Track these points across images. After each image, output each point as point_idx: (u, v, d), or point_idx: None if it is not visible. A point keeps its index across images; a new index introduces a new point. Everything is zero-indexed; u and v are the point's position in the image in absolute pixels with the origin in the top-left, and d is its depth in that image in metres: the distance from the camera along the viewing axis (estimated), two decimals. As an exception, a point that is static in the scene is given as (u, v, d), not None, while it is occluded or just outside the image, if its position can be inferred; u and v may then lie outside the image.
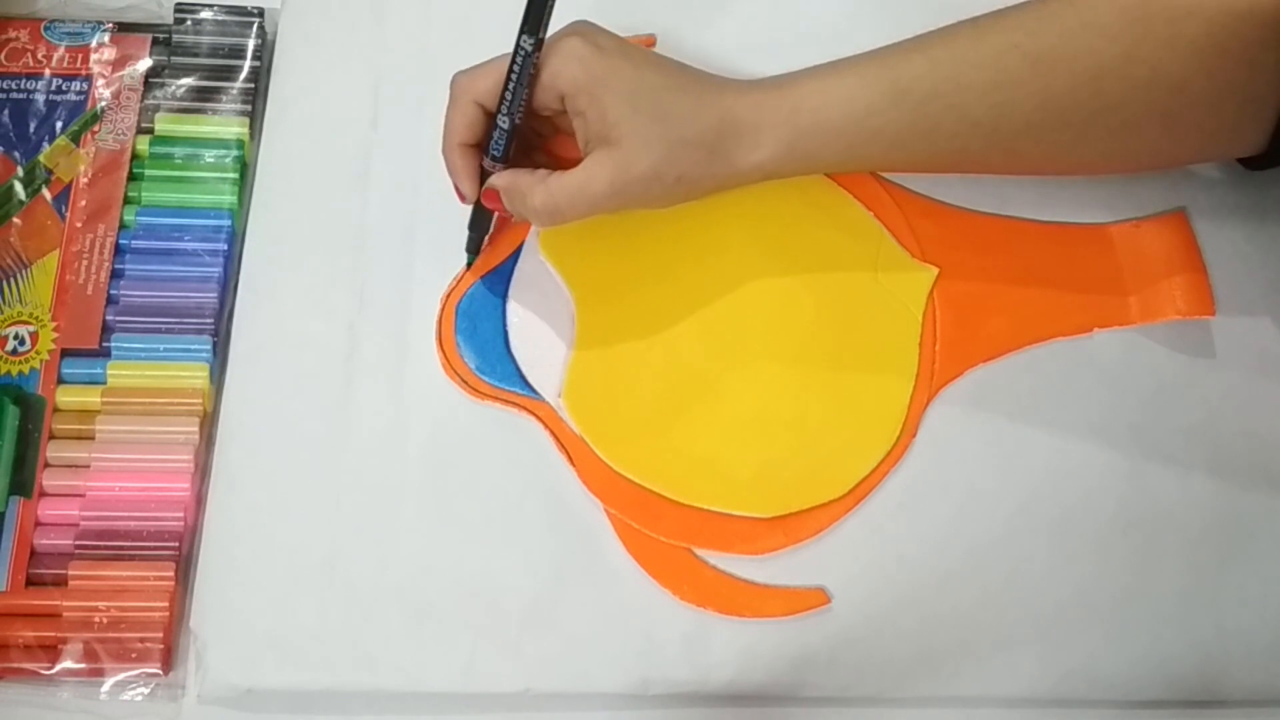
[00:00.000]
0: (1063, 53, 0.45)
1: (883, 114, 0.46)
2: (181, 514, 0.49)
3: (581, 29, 0.46)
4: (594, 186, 0.46)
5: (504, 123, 0.47)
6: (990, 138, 0.47)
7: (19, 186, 0.53)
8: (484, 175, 0.49)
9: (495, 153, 0.48)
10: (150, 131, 0.54)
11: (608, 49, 0.46)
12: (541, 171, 0.47)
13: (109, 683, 0.47)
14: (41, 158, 0.53)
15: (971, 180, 0.54)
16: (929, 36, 0.48)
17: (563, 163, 0.49)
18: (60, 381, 0.50)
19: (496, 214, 0.50)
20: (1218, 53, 0.45)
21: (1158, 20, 0.44)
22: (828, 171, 0.50)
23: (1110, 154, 0.50)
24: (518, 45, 0.45)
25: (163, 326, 0.51)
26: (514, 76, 0.45)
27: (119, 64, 0.55)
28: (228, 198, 0.53)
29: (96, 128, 0.54)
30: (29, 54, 0.55)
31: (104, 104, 0.54)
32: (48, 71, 0.55)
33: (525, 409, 0.51)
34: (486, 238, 0.52)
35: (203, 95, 0.55)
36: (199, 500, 0.50)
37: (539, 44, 0.45)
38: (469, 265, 0.52)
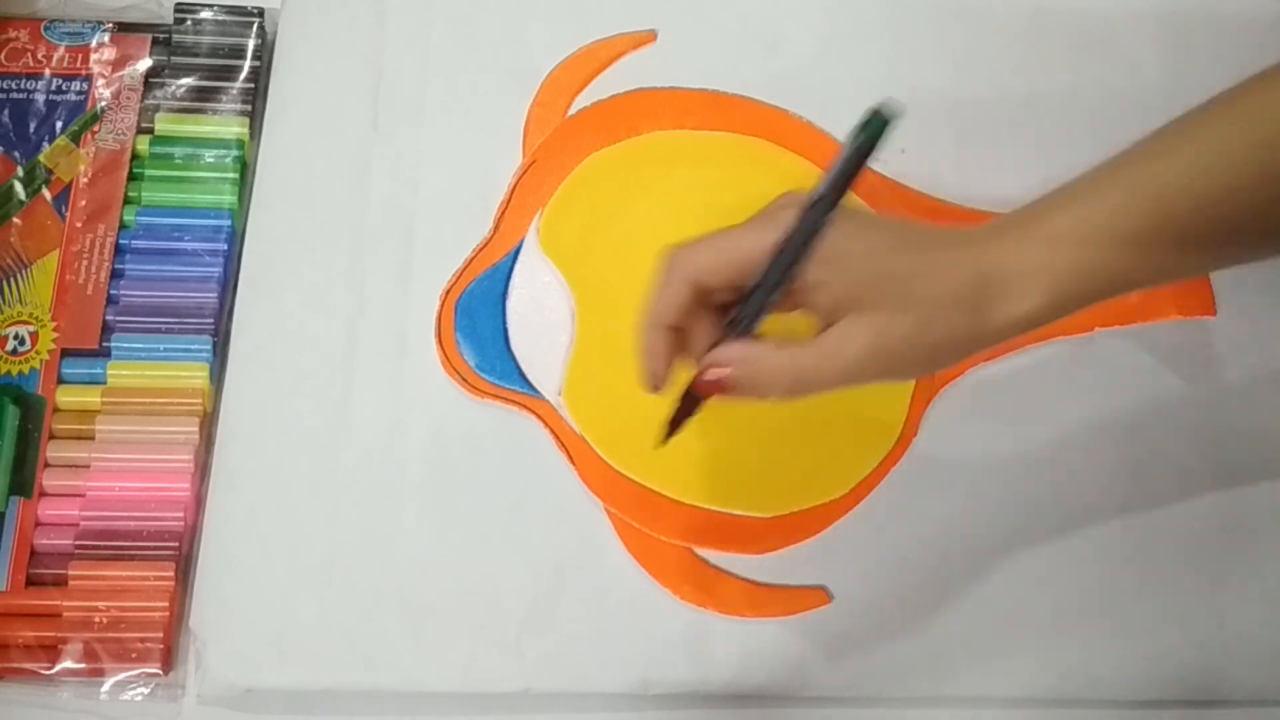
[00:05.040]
0: None
1: (1149, 239, 0.41)
2: (181, 514, 0.49)
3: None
4: (851, 350, 0.39)
5: (773, 275, 0.40)
6: (1261, 240, 0.42)
7: (19, 186, 0.53)
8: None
9: (741, 319, 0.41)
10: (150, 131, 0.54)
11: (845, 214, 0.40)
12: (775, 339, 0.41)
13: (109, 683, 0.47)
14: (41, 158, 0.53)
15: (971, 177, 0.54)
16: (1163, 140, 0.43)
17: None
18: (60, 381, 0.50)
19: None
20: None
21: None
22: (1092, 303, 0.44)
23: None
24: (809, 210, 0.39)
25: (163, 326, 0.51)
26: (793, 246, 0.39)
27: (119, 64, 0.55)
28: (228, 198, 0.53)
29: (96, 128, 0.54)
30: (29, 54, 0.55)
31: (104, 104, 0.54)
32: (48, 71, 0.55)
33: (525, 407, 0.51)
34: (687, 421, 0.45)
35: (203, 95, 0.55)
36: (199, 500, 0.50)
37: (833, 204, 0.40)
38: (664, 442, 0.44)
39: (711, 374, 0.41)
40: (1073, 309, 0.42)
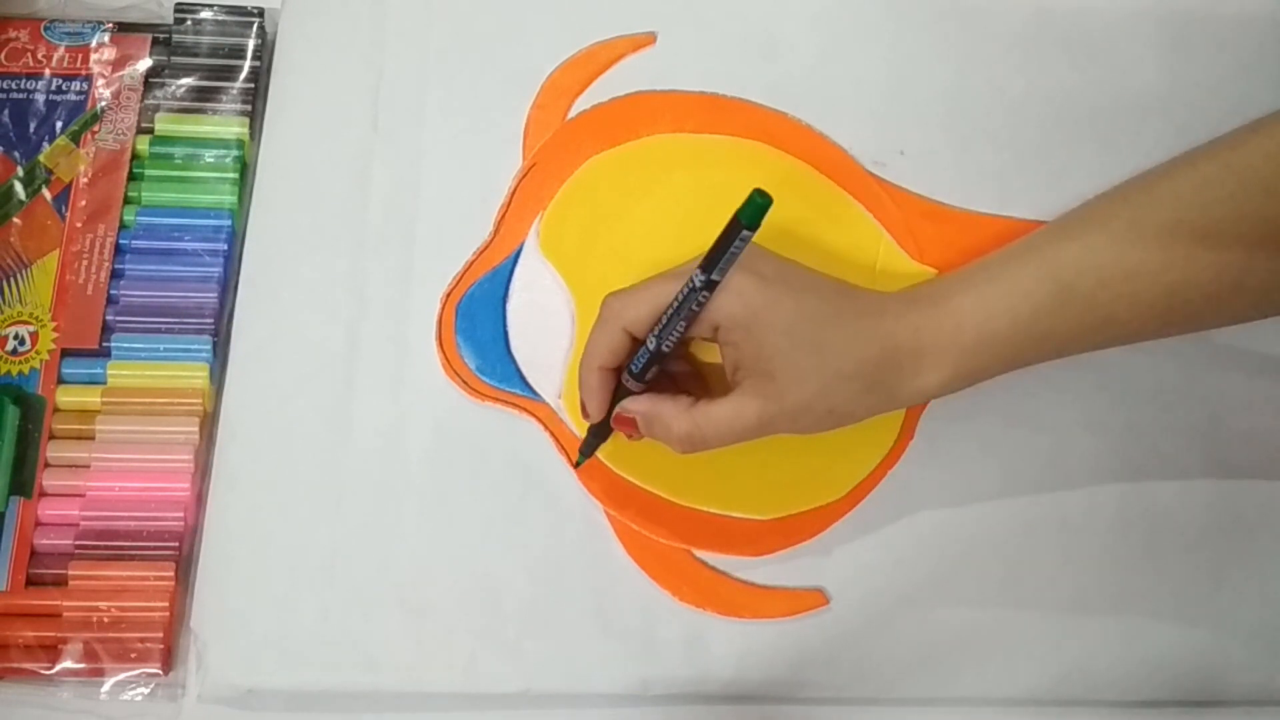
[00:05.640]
0: (1232, 222, 0.43)
1: (1051, 316, 0.44)
2: (181, 514, 0.49)
3: (743, 257, 0.42)
4: (743, 419, 0.44)
5: (652, 344, 0.44)
6: (1167, 317, 0.45)
7: (19, 186, 0.53)
8: (619, 390, 0.47)
9: (634, 369, 0.45)
10: (150, 131, 0.54)
11: (768, 277, 0.44)
12: (683, 399, 0.45)
13: (109, 683, 0.47)
14: (41, 158, 0.53)
15: (971, 180, 0.54)
16: (1076, 220, 0.47)
17: (693, 379, 0.48)
18: (60, 381, 0.50)
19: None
20: None
21: None
22: (995, 376, 0.46)
23: None
24: (691, 277, 0.42)
25: (163, 326, 0.51)
26: (675, 306, 0.43)
27: (119, 64, 0.55)
28: (228, 198, 0.53)
29: (96, 128, 0.54)
30: (29, 54, 0.55)
31: (104, 104, 0.54)
32: (48, 71, 0.54)
33: (525, 410, 0.51)
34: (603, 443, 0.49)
35: (203, 95, 0.55)
36: (199, 500, 0.50)
37: (711, 285, 0.42)
38: (577, 465, 0.49)
39: (623, 418, 0.46)
40: (976, 381, 0.46)
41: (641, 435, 0.46)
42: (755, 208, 0.40)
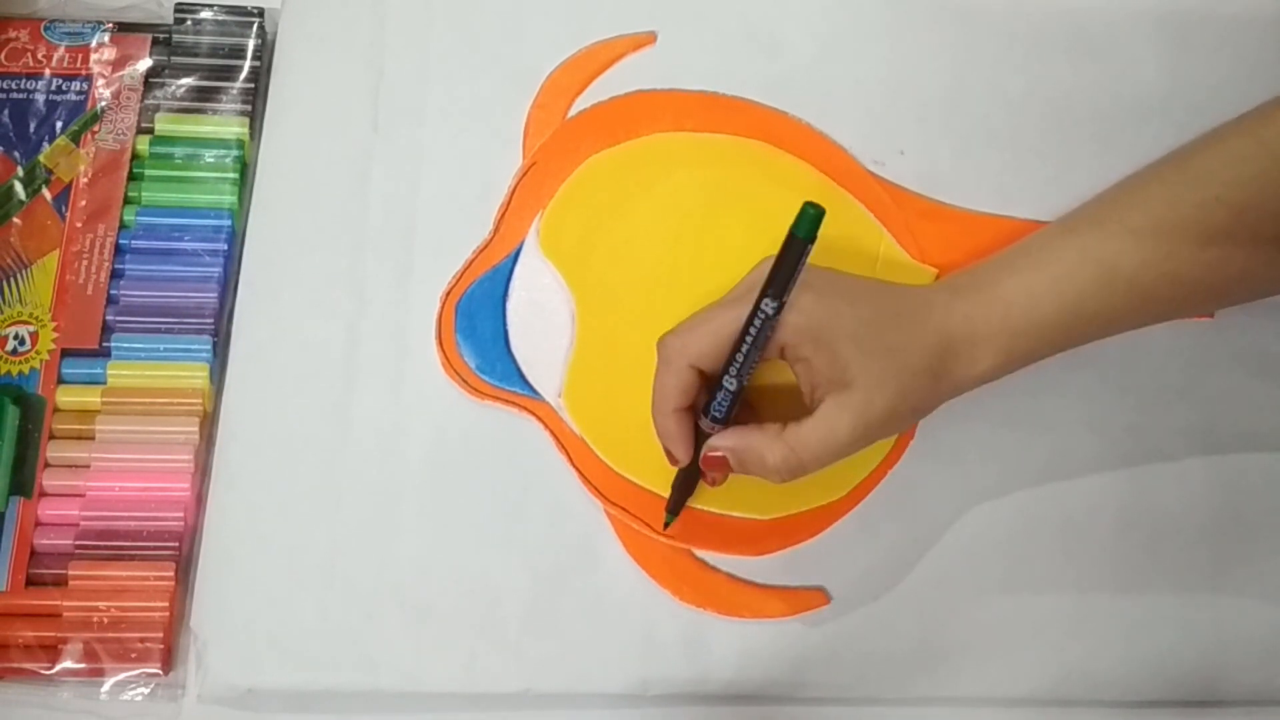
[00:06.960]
0: (1267, 196, 0.44)
1: (1096, 298, 0.45)
2: (181, 514, 0.49)
3: None
4: (839, 434, 0.43)
5: (730, 384, 0.43)
6: (1207, 293, 0.46)
7: (19, 186, 0.53)
8: (699, 435, 0.46)
9: (718, 414, 0.44)
10: (150, 131, 0.54)
11: (821, 289, 0.44)
12: (771, 427, 0.44)
13: (109, 683, 0.47)
14: (41, 158, 0.53)
15: (971, 179, 0.54)
16: (1113, 200, 0.47)
17: (761, 408, 0.48)
18: (60, 381, 0.50)
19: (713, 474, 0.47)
20: None
21: None
22: (1045, 357, 0.47)
23: None
24: (757, 307, 0.42)
25: (163, 326, 0.51)
26: (750, 338, 0.42)
27: (119, 64, 0.55)
28: (228, 198, 0.53)
29: (96, 128, 0.54)
30: (29, 54, 0.55)
31: (104, 104, 0.54)
32: (48, 71, 0.55)
33: (525, 409, 0.51)
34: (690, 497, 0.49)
35: (203, 95, 0.55)
36: (199, 500, 0.50)
37: (782, 307, 0.42)
38: (666, 525, 0.49)
39: (712, 459, 0.45)
40: (1027, 363, 0.46)
41: (728, 475, 0.46)
42: (810, 220, 0.40)
